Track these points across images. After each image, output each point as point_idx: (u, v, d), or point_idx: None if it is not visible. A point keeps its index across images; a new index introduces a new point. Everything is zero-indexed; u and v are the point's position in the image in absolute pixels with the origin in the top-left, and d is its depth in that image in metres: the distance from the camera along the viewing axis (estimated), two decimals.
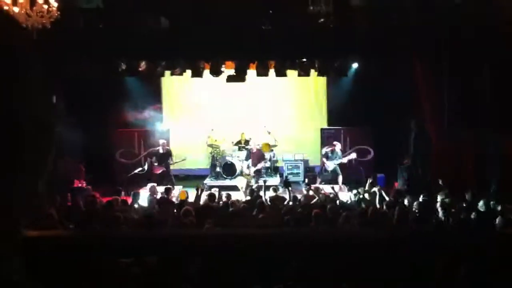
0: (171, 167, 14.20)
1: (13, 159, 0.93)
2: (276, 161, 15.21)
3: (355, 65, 13.82)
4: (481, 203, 8.50)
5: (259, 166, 13.84)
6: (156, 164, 13.68)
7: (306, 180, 13.67)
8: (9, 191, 0.93)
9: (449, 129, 11.08)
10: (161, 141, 14.05)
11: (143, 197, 10.69)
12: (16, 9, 6.81)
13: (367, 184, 10.68)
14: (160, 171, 13.60)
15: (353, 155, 14.11)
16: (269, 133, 14.80)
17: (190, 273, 5.68)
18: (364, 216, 8.54)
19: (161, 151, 13.83)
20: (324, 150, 14.41)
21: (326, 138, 15.16)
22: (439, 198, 9.18)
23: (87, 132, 14.27)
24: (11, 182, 0.93)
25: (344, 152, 14.47)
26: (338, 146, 14.09)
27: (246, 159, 13.87)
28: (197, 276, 5.72)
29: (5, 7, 6.79)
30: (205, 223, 8.17)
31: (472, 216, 7.77)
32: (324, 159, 14.04)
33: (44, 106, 0.94)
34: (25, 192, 0.96)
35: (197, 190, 10.49)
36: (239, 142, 14.82)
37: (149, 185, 11.49)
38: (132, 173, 13.90)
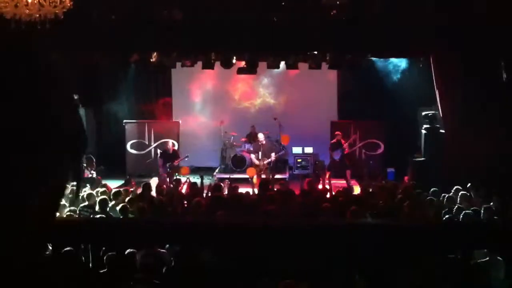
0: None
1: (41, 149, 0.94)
2: (286, 154, 15.20)
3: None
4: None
5: (271, 158, 13.78)
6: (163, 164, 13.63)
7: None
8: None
9: (463, 124, 11.01)
10: (170, 143, 13.97)
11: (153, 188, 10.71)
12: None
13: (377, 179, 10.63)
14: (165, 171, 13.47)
15: (353, 139, 14.08)
16: (280, 126, 14.78)
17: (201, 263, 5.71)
18: (374, 210, 8.54)
19: (169, 152, 13.77)
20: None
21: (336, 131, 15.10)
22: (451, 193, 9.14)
23: (98, 123, 14.38)
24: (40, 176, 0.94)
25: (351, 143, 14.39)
26: (340, 136, 13.99)
27: (256, 151, 13.82)
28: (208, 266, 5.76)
29: None
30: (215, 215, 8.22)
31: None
32: (330, 151, 13.95)
33: (64, 102, 0.94)
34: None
35: (201, 178, 10.68)
36: (249, 135, 14.79)
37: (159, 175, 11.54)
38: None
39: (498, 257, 5.71)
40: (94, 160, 14.17)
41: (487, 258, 5.66)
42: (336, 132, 13.82)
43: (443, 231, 5.67)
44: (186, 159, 13.86)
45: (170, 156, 13.45)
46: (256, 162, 13.31)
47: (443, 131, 12.08)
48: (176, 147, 14.44)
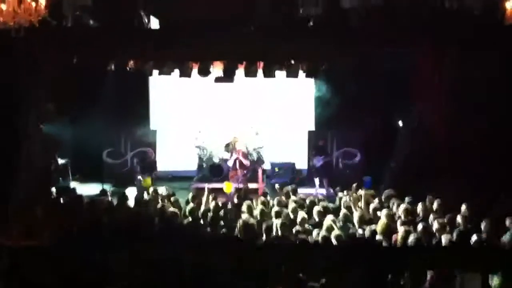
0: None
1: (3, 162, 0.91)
2: (263, 162, 15.18)
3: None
4: None
5: (248, 167, 13.76)
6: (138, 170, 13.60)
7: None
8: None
9: (441, 131, 11.21)
10: (148, 151, 13.94)
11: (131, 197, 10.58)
12: (3, 7, 6.73)
13: (352, 188, 10.65)
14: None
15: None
16: (256, 133, 14.78)
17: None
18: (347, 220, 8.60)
19: (146, 160, 13.73)
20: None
21: (314, 140, 15.19)
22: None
23: (74, 132, 14.22)
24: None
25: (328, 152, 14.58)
26: (324, 142, 14.29)
27: (233, 161, 13.78)
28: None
29: None
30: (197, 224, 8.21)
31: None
32: (312, 156, 14.19)
33: (33, 108, 0.92)
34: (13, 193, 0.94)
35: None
36: (228, 145, 14.63)
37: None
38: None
39: None
40: (69, 168, 14.04)
41: None
42: (322, 140, 14.27)
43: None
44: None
45: (147, 166, 13.42)
46: (232, 172, 13.32)
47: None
48: (153, 157, 14.38)
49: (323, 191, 13.73)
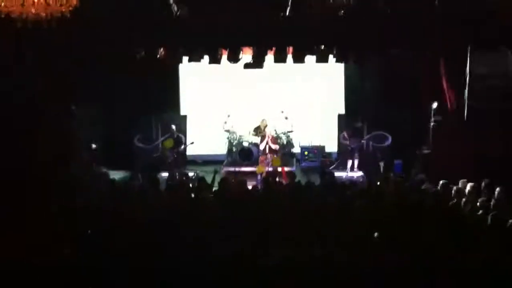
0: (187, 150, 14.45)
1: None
2: (293, 146, 15.19)
3: None
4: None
5: (277, 151, 13.81)
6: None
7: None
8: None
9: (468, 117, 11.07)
10: (173, 127, 14.11)
11: (162, 183, 10.68)
12: None
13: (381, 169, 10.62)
14: (172, 157, 13.67)
15: None
16: (286, 118, 14.74)
17: None
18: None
19: (174, 136, 13.92)
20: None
21: (345, 124, 15.12)
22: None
23: (106, 117, 14.43)
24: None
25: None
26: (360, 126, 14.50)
27: (263, 145, 13.83)
28: None
29: None
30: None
31: None
32: (346, 136, 14.24)
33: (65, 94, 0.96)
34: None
35: (214, 173, 10.69)
36: (258, 128, 14.63)
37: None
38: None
39: None
40: (96, 153, 14.16)
41: None
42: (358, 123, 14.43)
43: None
44: (191, 144, 14.19)
45: (175, 142, 13.66)
46: (262, 156, 13.38)
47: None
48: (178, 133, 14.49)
49: (354, 174, 13.76)
